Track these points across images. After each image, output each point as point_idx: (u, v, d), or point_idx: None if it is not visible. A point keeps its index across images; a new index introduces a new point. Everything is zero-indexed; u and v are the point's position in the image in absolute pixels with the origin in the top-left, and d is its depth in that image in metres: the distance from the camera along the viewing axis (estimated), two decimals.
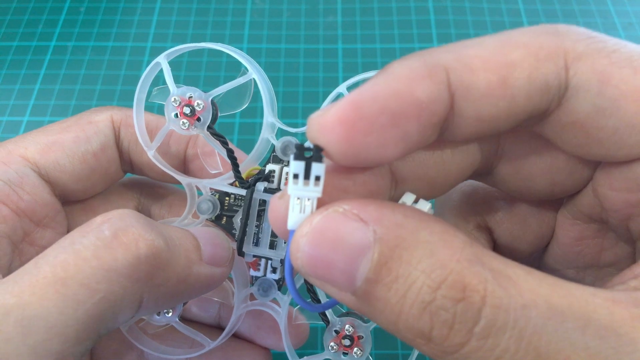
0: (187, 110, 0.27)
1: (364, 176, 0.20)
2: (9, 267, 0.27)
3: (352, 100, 0.17)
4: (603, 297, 0.16)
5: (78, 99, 0.56)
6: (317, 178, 0.18)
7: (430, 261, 0.16)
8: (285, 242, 0.28)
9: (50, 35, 0.61)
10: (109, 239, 0.22)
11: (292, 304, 0.31)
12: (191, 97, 0.27)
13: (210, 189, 0.30)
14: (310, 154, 0.18)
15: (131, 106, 0.29)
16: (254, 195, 0.28)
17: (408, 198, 0.20)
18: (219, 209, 0.30)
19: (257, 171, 0.29)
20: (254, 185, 0.28)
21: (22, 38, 0.61)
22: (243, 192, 0.29)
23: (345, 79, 0.57)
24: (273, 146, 0.29)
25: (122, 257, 0.22)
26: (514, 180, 0.23)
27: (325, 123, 0.17)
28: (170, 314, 0.29)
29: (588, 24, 0.62)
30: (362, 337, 0.28)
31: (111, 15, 0.63)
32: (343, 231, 0.17)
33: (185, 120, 0.27)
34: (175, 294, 0.25)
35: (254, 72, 0.27)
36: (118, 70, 0.58)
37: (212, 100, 0.28)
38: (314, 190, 0.18)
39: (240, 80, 0.27)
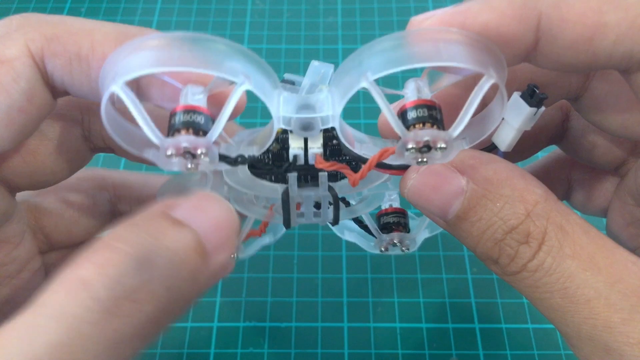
0: (188, 157, 0.22)
1: None
2: None
3: (447, 15, 0.21)
4: None
5: None
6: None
7: (508, 212, 0.21)
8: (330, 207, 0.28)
9: None
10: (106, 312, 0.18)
11: None
12: (187, 147, 0.21)
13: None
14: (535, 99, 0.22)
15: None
16: (291, 194, 0.26)
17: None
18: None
19: (278, 131, 0.25)
20: (285, 173, 0.25)
21: None
22: (278, 192, 0.26)
23: None
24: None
25: (123, 328, 0.18)
26: (593, 113, 0.26)
27: (427, 22, 0.21)
28: (235, 256, 0.29)
29: None
30: (408, 242, 0.31)
31: (112, 15, 0.63)
32: (443, 179, 0.22)
33: (190, 164, 0.22)
34: (191, 303, 0.21)
35: (247, 81, 0.22)
36: None
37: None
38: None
39: (233, 102, 0.22)
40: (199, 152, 0.21)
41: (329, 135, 0.26)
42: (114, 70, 0.22)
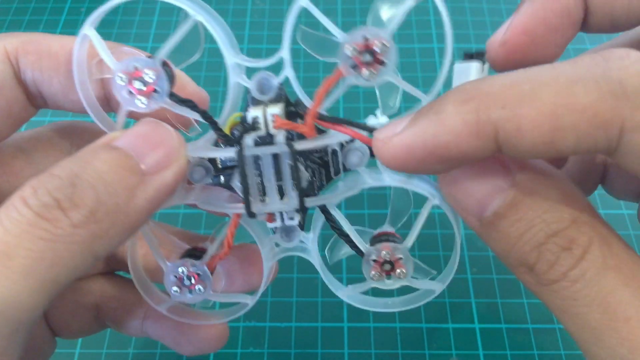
0: (138, 84, 0.23)
1: None
2: None
3: (406, 143, 0.20)
4: None
5: None
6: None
7: (553, 215, 0.20)
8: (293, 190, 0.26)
9: None
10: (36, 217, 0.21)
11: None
12: (137, 67, 0.23)
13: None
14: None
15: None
16: (246, 153, 0.25)
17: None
18: (213, 170, 0.27)
19: (239, 118, 0.27)
20: (241, 140, 0.25)
21: None
22: (232, 152, 0.25)
23: None
24: (247, 88, 0.26)
25: (54, 230, 0.21)
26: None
27: (386, 153, 0.21)
28: (203, 290, 0.28)
29: None
30: (401, 257, 0.27)
31: (112, 15, 0.63)
32: (488, 172, 0.21)
33: (140, 97, 0.24)
34: (134, 226, 0.23)
35: (198, 13, 0.24)
36: None
37: (163, 62, 0.24)
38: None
39: (184, 29, 0.24)
40: (147, 75, 0.23)
41: (294, 111, 0.26)
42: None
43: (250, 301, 0.30)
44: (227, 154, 0.26)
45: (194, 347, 0.31)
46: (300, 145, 0.25)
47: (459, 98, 0.19)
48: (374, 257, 0.27)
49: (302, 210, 0.26)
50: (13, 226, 0.20)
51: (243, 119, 0.26)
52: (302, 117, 0.26)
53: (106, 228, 0.21)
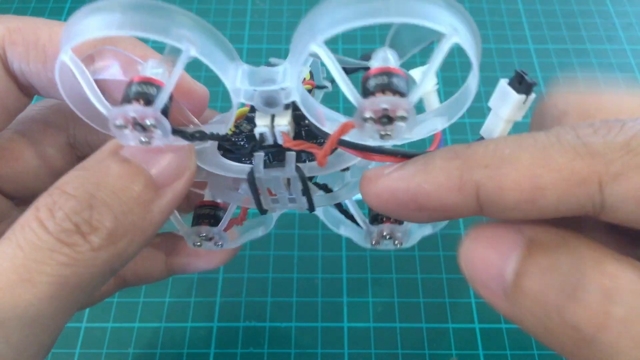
0: (139, 128, 0.22)
1: None
2: None
3: (391, 185, 0.21)
4: None
5: None
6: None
7: (576, 257, 0.18)
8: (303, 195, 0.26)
9: None
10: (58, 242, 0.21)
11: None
12: (134, 117, 0.21)
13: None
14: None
15: None
16: (256, 175, 0.24)
17: None
18: (221, 152, 0.27)
19: (246, 110, 0.26)
20: (251, 152, 0.25)
21: None
22: (244, 173, 0.25)
23: None
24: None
25: (73, 254, 0.21)
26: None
27: (370, 191, 0.21)
28: (222, 245, 0.30)
29: (587, 24, 0.62)
30: (400, 235, 0.28)
31: None
32: (498, 238, 0.20)
33: (143, 137, 0.22)
34: (149, 239, 0.23)
35: (190, 46, 0.21)
36: None
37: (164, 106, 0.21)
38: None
39: (180, 68, 0.21)
40: (147, 122, 0.21)
41: (300, 114, 0.24)
42: (62, 38, 0.22)
43: (261, 232, 0.32)
44: (238, 175, 0.25)
45: (222, 257, 0.33)
46: (311, 173, 0.25)
47: (447, 155, 0.20)
48: (374, 235, 0.28)
49: (312, 210, 0.27)
50: (33, 251, 0.20)
51: (250, 119, 0.26)
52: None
53: (124, 247, 0.22)
